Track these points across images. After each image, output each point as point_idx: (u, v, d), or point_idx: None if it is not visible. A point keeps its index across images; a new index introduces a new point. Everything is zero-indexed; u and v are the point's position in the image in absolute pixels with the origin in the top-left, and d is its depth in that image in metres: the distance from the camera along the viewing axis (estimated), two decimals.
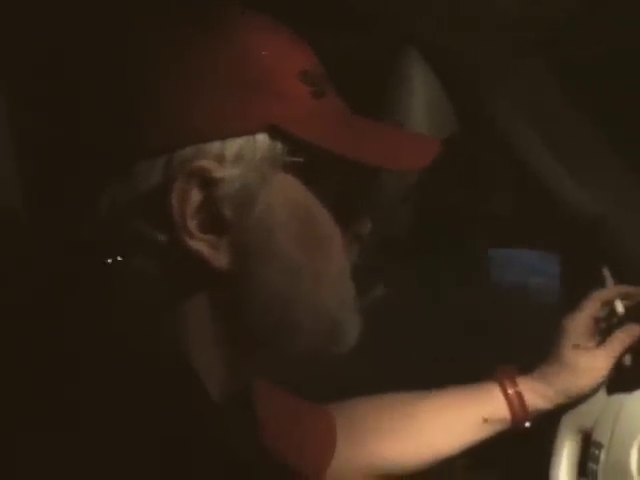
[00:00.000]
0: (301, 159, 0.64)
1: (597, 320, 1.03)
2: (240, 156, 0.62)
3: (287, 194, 0.64)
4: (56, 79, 0.66)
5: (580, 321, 1.02)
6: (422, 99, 1.15)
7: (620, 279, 1.06)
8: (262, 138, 0.62)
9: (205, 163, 0.61)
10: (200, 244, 0.61)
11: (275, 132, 0.62)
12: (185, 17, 0.64)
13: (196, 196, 0.61)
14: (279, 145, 0.63)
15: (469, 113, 1.16)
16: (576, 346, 1.00)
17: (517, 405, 1.01)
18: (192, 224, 0.61)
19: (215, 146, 0.61)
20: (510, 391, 1.01)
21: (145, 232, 0.62)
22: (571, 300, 1.05)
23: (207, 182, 0.61)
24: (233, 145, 0.61)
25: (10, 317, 0.61)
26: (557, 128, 1.14)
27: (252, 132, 0.62)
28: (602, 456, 0.96)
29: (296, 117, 0.63)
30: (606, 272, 1.05)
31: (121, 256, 0.63)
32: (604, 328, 1.03)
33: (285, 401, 0.94)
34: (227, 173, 0.61)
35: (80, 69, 0.64)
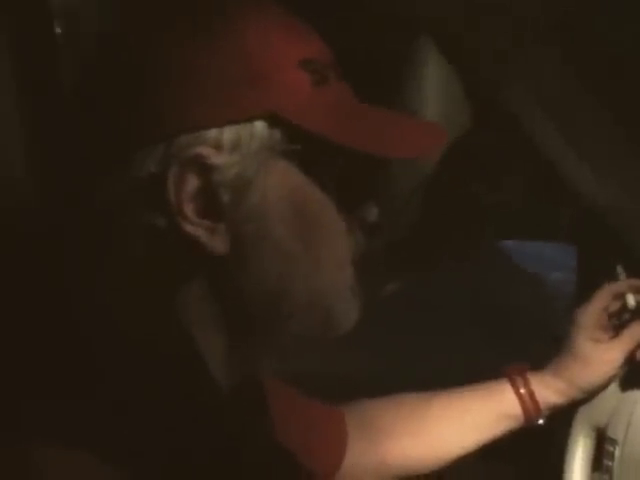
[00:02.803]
0: (299, 147, 0.64)
1: (609, 314, 1.02)
2: (238, 143, 0.62)
3: (284, 182, 0.64)
4: (59, 68, 0.67)
5: (591, 313, 1.01)
6: (436, 88, 1.15)
7: (634, 272, 1.05)
8: (260, 126, 0.63)
9: (202, 150, 0.61)
10: (196, 229, 0.62)
11: (273, 120, 0.63)
12: (185, 4, 0.64)
13: (193, 182, 0.62)
14: (277, 133, 0.63)
15: (483, 102, 1.15)
16: (590, 338, 1.00)
17: (529, 402, 1.00)
18: (189, 209, 0.62)
19: (213, 133, 0.62)
20: (521, 388, 1.00)
21: (144, 217, 0.63)
22: (586, 293, 1.04)
23: (204, 168, 0.62)
24: (231, 132, 0.62)
25: (15, 307, 0.63)
26: (573, 117, 1.13)
27: (250, 120, 0.62)
28: (617, 453, 0.96)
29: (294, 105, 0.63)
30: (620, 269, 1.03)
31: (122, 241, 0.64)
32: (616, 322, 1.02)
33: (297, 401, 0.94)
34: (224, 160, 0.62)
35: (81, 58, 0.65)
